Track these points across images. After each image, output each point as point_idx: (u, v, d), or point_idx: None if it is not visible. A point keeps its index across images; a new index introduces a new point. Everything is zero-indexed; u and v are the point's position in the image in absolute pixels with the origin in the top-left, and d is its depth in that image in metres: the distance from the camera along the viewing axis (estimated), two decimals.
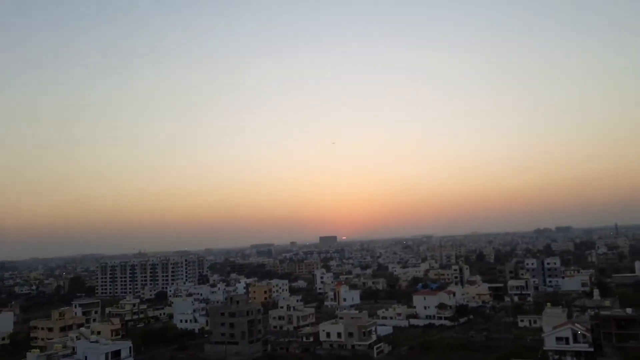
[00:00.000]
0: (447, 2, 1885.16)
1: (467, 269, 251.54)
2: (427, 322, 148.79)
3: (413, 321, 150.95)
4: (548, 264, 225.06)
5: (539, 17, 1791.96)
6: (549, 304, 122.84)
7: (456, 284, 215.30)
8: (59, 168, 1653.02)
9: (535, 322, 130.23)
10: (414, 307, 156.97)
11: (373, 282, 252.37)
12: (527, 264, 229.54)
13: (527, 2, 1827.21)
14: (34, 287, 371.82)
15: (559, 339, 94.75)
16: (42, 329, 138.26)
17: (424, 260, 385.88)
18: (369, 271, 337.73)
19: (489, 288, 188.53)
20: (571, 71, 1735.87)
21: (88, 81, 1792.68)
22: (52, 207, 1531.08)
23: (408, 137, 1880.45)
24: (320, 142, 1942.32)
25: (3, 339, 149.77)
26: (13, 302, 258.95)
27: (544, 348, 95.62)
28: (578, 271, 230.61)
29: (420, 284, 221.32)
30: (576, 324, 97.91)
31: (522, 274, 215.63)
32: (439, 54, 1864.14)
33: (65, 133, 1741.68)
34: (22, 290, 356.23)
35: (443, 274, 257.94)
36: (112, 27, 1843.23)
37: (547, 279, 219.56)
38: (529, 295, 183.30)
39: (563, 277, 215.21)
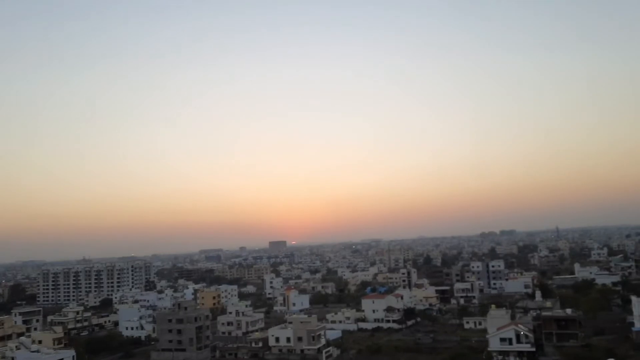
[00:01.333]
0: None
1: (414, 272, 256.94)
2: (375, 325, 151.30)
3: (362, 325, 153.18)
4: (493, 266, 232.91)
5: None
6: (493, 305, 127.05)
7: (404, 287, 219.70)
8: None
9: (480, 323, 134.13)
10: (363, 311, 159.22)
11: (322, 287, 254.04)
12: (473, 267, 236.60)
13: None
14: None
15: (502, 339, 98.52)
16: None
17: (372, 264, 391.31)
18: (318, 276, 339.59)
19: (436, 291, 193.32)
20: (520, 76, 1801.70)
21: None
22: None
23: (357, 144, 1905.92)
24: (269, 147, 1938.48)
25: None
26: None
27: (489, 349, 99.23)
28: (521, 273, 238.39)
29: (369, 288, 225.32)
30: (519, 325, 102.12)
31: (468, 277, 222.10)
32: (399, 59, 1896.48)
33: (12, 133, 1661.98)
34: None
35: (391, 278, 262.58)
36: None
37: (492, 282, 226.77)
38: (474, 297, 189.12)
39: (507, 280, 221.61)
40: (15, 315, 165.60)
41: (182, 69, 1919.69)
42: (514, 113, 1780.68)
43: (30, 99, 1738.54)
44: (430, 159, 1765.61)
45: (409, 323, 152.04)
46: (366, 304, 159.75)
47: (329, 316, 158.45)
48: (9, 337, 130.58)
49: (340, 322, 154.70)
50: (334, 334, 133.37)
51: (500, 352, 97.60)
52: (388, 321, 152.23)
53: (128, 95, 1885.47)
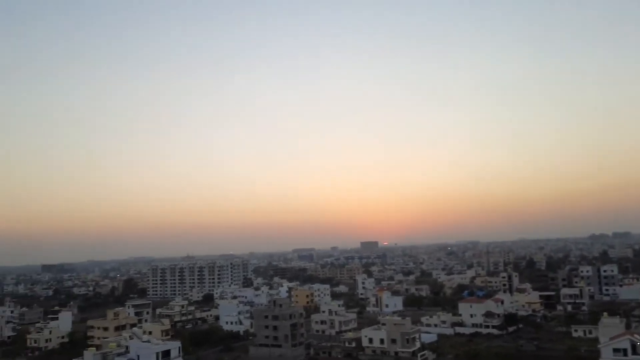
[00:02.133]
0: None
1: (516, 276, 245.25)
2: (473, 330, 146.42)
3: (459, 329, 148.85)
4: (605, 271, 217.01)
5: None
6: (605, 313, 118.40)
7: (504, 291, 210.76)
8: (113, 176, 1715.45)
9: (590, 332, 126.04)
10: (460, 315, 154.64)
11: (416, 289, 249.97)
12: (582, 272, 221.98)
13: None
14: (90, 289, 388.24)
15: (616, 350, 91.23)
16: (98, 328, 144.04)
17: (469, 267, 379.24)
18: (412, 277, 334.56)
19: (540, 296, 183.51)
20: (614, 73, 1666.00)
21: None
22: (106, 213, 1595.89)
23: (453, 141, 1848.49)
24: (361, 146, 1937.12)
25: (63, 337, 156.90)
26: (72, 303, 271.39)
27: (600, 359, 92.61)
28: (637, 279, 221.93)
29: (466, 291, 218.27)
30: (635, 335, 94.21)
31: (576, 282, 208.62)
32: (484, 55, 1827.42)
33: (109, 140, 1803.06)
34: (79, 292, 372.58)
35: (490, 282, 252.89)
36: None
37: (604, 288, 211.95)
38: (583, 304, 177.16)
39: (621, 286, 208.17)
40: (129, 307, 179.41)
41: (268, 71, 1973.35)
42: (619, 105, 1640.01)
43: (117, 98, 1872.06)
44: (532, 157, 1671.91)
45: (510, 329, 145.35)
46: (463, 307, 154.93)
47: (423, 319, 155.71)
48: (123, 327, 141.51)
49: (435, 325, 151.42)
50: (429, 338, 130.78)
51: None
52: (487, 326, 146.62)
53: (211, 97, 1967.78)
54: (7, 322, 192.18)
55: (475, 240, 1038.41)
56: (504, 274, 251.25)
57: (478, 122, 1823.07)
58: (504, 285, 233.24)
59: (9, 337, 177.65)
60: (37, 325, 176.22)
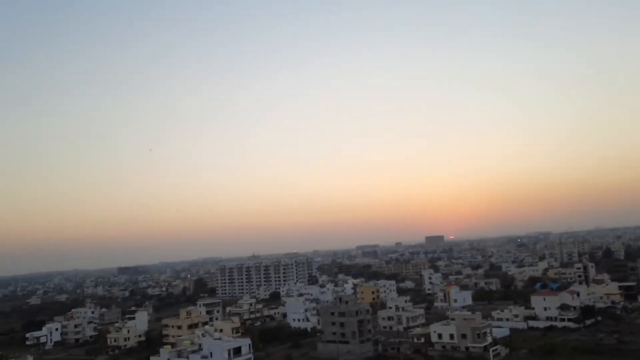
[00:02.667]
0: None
1: (592, 267, 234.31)
2: (547, 324, 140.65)
3: (532, 323, 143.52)
4: None
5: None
6: None
7: (580, 283, 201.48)
8: (181, 180, 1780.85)
9: None
10: (533, 309, 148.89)
11: (485, 283, 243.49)
12: None
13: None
14: (163, 289, 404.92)
15: None
16: (172, 327, 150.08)
17: (541, 258, 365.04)
18: (480, 271, 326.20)
19: (620, 287, 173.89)
20: None
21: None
22: (175, 216, 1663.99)
23: (519, 130, 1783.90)
24: (427, 139, 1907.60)
25: (140, 336, 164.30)
26: (147, 303, 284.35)
27: None
28: None
29: (538, 284, 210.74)
30: None
31: None
32: (553, 42, 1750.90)
33: (177, 143, 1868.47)
34: (154, 292, 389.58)
35: (564, 273, 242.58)
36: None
37: None
38: None
39: None
40: (200, 306, 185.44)
41: (316, 70, 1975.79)
42: None
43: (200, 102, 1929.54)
44: (604, 142, 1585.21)
45: (588, 322, 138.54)
46: (536, 301, 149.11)
47: (494, 313, 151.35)
48: (196, 325, 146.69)
49: (507, 319, 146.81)
50: (501, 332, 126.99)
51: None
52: (562, 320, 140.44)
53: (272, 95, 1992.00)
54: (89, 322, 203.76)
55: (546, 231, 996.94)
56: (579, 265, 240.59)
57: (544, 109, 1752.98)
58: (579, 276, 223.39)
59: (91, 336, 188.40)
60: (116, 325, 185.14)
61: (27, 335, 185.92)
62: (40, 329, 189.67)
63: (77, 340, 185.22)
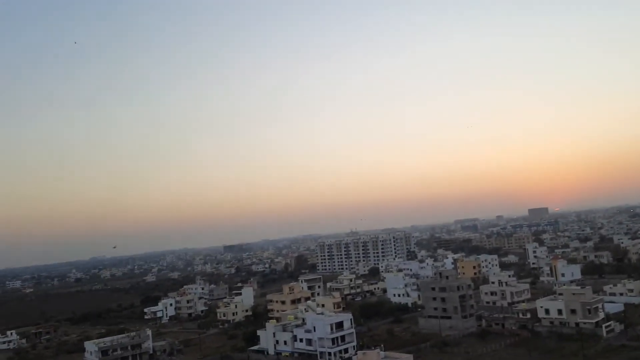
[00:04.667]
0: None
1: None
2: None
3: None
4: None
5: None
6: None
7: None
8: (280, 161, 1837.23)
9: None
10: None
11: (596, 256, 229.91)
12: None
13: None
14: (267, 266, 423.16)
15: None
16: (277, 302, 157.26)
17: None
18: (589, 244, 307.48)
19: None
20: None
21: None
22: (275, 195, 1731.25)
23: (631, 92, 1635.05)
24: (529, 108, 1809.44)
25: (247, 311, 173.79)
26: (252, 279, 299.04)
27: None
28: None
29: None
30: None
31: None
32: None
33: (274, 125, 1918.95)
34: (257, 269, 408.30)
35: None
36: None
37: None
38: None
39: None
40: (302, 282, 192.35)
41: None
42: None
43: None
44: None
45: None
46: None
47: (606, 288, 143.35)
48: (299, 300, 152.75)
49: (621, 294, 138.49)
50: (614, 308, 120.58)
51: None
52: None
53: (354, 76, 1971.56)
54: (200, 298, 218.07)
55: None
56: None
57: None
58: None
59: (202, 311, 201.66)
60: (224, 300, 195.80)
61: (145, 310, 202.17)
62: (157, 304, 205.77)
63: (189, 314, 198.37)
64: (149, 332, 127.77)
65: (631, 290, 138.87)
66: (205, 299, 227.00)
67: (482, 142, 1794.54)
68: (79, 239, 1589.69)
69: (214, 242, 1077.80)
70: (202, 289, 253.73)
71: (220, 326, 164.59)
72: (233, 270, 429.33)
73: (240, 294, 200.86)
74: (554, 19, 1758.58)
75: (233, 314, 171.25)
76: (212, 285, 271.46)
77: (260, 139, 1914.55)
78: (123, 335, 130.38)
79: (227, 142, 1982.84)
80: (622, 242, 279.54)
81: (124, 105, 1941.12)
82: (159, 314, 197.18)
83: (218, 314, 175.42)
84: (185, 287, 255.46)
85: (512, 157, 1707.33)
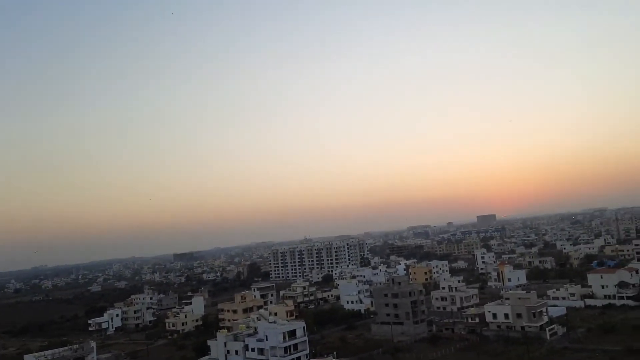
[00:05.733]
0: None
1: None
2: (605, 302, 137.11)
3: (589, 301, 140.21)
4: None
5: None
6: None
7: (638, 260, 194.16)
8: (231, 167, 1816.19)
9: None
10: (589, 287, 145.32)
11: (540, 261, 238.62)
12: None
13: None
14: (218, 274, 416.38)
15: None
16: (228, 311, 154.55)
17: (597, 236, 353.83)
18: (534, 250, 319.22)
19: None
20: None
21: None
22: (228, 202, 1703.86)
23: (573, 106, 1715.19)
24: (477, 117, 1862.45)
25: (197, 320, 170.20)
26: (202, 288, 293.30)
27: None
28: None
29: (595, 262, 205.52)
30: None
31: None
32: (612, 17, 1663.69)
33: (209, 133, 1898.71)
34: (209, 277, 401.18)
35: (622, 250, 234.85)
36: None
37: None
38: None
39: None
40: (254, 290, 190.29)
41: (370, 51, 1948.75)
42: None
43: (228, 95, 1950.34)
44: None
45: None
46: (593, 279, 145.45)
47: (550, 292, 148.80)
48: (251, 309, 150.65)
49: (563, 298, 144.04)
50: (557, 311, 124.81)
51: None
52: (621, 297, 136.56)
53: (312, 82, 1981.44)
54: (148, 308, 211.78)
55: (602, 208, 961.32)
56: (637, 242, 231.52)
57: (595, 81, 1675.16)
58: (638, 253, 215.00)
59: (150, 321, 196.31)
60: (174, 310, 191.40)
61: (90, 321, 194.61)
62: (102, 315, 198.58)
63: (137, 325, 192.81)
64: (93, 344, 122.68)
65: (573, 295, 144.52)
66: (154, 309, 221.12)
67: (433, 151, 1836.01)
68: (19, 248, 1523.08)
69: (163, 251, 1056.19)
70: (151, 298, 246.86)
71: (169, 337, 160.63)
72: (183, 279, 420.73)
73: (190, 303, 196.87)
74: (497, 30, 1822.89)
75: (182, 324, 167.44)
76: (161, 295, 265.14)
77: (211, 145, 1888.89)
78: (65, 347, 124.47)
79: (178, 149, 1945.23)
80: (565, 248, 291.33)
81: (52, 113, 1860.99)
82: (104, 325, 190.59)
83: (167, 324, 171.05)
84: (132, 296, 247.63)
85: (462, 165, 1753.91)
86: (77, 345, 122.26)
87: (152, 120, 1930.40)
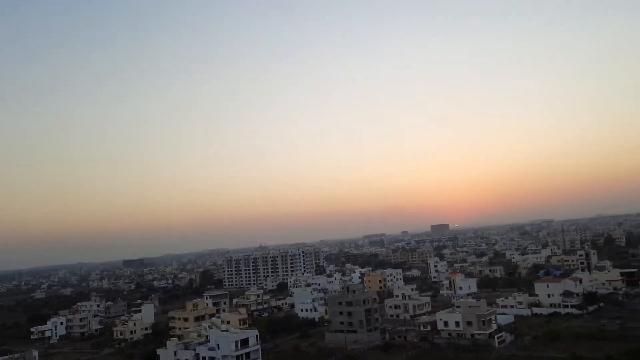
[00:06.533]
0: None
1: (594, 253, 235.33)
2: (551, 310, 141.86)
3: (536, 310, 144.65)
4: None
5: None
6: None
7: (582, 270, 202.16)
8: (186, 172, 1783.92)
9: None
10: (536, 295, 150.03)
11: (490, 270, 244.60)
12: None
13: None
14: (169, 281, 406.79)
15: None
16: (179, 319, 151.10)
17: (544, 246, 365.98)
18: (484, 259, 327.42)
19: (621, 273, 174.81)
20: None
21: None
22: (181, 208, 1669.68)
23: (522, 117, 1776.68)
24: (432, 129, 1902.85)
25: (146, 329, 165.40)
26: (153, 295, 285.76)
27: None
28: None
29: (542, 271, 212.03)
30: None
31: None
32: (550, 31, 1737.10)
33: (162, 138, 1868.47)
34: (159, 284, 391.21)
35: (567, 260, 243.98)
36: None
37: None
38: None
39: None
40: (207, 298, 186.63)
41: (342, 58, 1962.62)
42: None
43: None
44: (608, 129, 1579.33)
45: (591, 308, 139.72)
46: (540, 288, 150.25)
47: (499, 300, 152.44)
48: (203, 317, 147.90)
49: (511, 306, 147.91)
50: (505, 319, 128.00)
51: None
52: (566, 306, 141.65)
53: (283, 89, 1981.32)
54: (95, 315, 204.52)
55: (549, 219, 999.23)
56: (581, 252, 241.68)
57: (547, 96, 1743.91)
58: (582, 263, 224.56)
59: (96, 330, 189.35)
60: (122, 318, 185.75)
61: (32, 329, 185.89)
62: (45, 323, 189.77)
63: (82, 334, 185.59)
64: (35, 353, 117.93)
65: (520, 303, 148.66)
66: (101, 316, 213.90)
67: (390, 161, 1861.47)
68: None
69: (112, 257, 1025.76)
70: (98, 306, 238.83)
71: (117, 345, 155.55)
72: (133, 286, 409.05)
73: (139, 311, 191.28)
74: (449, 42, 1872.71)
75: (131, 332, 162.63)
76: (109, 302, 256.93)
77: (162, 151, 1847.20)
78: (6, 357, 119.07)
79: (129, 154, 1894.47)
80: (514, 258, 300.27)
81: None
82: (47, 334, 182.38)
83: (114, 333, 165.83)
84: (78, 304, 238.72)
85: (416, 175, 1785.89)
86: (19, 355, 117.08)
87: (99, 123, 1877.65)
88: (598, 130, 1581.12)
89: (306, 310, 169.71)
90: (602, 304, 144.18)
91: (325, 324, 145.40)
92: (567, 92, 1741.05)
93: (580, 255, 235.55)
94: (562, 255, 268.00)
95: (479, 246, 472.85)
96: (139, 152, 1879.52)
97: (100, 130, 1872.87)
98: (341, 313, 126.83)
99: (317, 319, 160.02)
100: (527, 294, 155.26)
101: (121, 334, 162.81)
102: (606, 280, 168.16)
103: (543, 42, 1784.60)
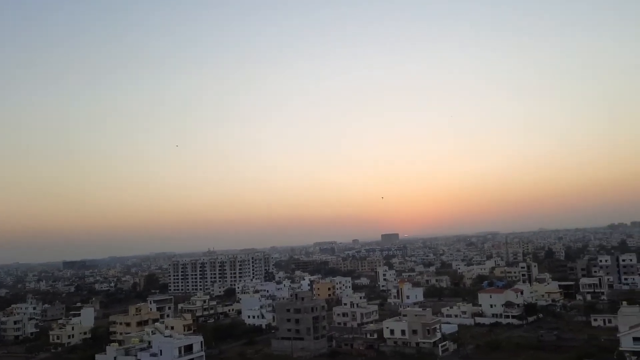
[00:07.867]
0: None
1: (535, 266, 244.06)
2: (493, 320, 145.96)
3: (479, 319, 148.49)
4: (624, 260, 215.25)
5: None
6: (624, 302, 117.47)
7: (524, 282, 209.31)
8: (132, 172, 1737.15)
9: (610, 321, 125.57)
10: (480, 306, 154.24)
11: (437, 280, 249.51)
12: (601, 261, 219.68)
13: None
14: (112, 284, 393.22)
15: (636, 339, 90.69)
16: (121, 323, 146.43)
17: (489, 257, 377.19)
18: (432, 269, 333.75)
19: (560, 286, 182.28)
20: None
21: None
22: (126, 209, 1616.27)
23: (471, 132, 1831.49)
24: (381, 140, 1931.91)
25: (85, 333, 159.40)
26: (94, 299, 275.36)
27: (620, 348, 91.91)
28: None
29: (485, 282, 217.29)
30: None
31: (595, 272, 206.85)
32: (494, 53, 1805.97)
33: (128, 138, 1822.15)
34: (101, 287, 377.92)
35: (510, 272, 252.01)
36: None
37: (623, 277, 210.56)
38: (602, 293, 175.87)
39: None
40: (151, 302, 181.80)
41: (290, 65, 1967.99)
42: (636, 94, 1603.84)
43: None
44: (552, 146, 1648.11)
45: (530, 319, 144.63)
46: (483, 298, 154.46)
47: (444, 310, 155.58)
48: (146, 322, 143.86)
49: (456, 316, 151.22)
50: (449, 328, 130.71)
51: (634, 353, 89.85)
52: (507, 316, 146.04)
53: (230, 94, 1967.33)
54: (30, 318, 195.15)
55: (494, 232, 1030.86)
56: (523, 264, 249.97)
57: (496, 114, 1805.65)
58: (523, 275, 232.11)
59: (32, 333, 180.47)
60: (60, 321, 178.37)
61: None
62: None
63: (16, 337, 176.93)
64: None
65: (464, 312, 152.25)
66: (37, 319, 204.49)
67: (342, 169, 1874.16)
68: None
69: (52, 258, 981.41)
70: (34, 308, 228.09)
71: (53, 350, 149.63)
72: (72, 289, 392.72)
73: (79, 314, 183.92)
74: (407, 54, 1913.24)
75: (69, 336, 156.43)
76: (46, 305, 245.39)
77: (112, 149, 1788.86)
78: None
79: (74, 148, 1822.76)
80: (459, 268, 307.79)
81: None
82: None
83: (51, 337, 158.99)
84: (13, 306, 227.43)
85: (369, 185, 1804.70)
86: None
87: (50, 121, 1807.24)
88: (541, 148, 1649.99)
89: (253, 317, 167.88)
90: (541, 315, 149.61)
91: (273, 331, 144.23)
92: (509, 112, 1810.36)
93: (522, 268, 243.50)
94: (505, 267, 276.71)
95: (427, 256, 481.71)
96: (91, 150, 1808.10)
97: (44, 127, 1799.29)
98: (289, 320, 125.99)
99: (264, 326, 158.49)
100: (471, 304, 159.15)
101: (58, 338, 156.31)
102: (545, 292, 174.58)
103: (483, 64, 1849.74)
